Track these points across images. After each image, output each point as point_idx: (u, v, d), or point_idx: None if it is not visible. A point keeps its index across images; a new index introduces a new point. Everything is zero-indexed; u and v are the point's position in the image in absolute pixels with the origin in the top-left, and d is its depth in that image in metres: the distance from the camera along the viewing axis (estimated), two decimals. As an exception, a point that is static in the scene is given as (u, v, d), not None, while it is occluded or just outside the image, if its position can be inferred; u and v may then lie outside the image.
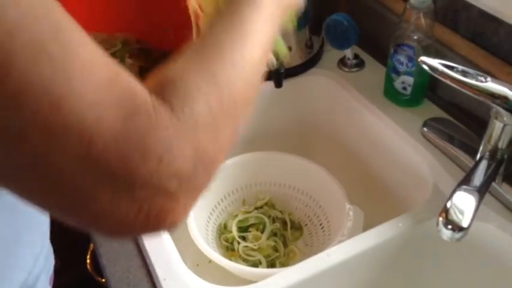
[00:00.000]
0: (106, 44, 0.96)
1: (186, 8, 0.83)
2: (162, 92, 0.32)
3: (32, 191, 0.30)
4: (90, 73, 0.29)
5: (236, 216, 0.84)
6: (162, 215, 0.31)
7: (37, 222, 0.52)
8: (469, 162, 0.69)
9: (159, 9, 0.90)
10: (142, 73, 0.89)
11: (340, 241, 0.67)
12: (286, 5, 0.47)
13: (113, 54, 0.94)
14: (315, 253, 0.73)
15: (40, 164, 0.28)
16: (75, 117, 0.27)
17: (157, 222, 0.32)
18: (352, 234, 0.69)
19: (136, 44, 0.98)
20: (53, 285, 0.58)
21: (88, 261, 0.77)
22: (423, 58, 0.60)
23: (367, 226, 0.69)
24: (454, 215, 0.51)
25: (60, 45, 0.28)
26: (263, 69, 0.42)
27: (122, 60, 0.92)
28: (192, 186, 0.32)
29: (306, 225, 0.85)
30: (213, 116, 0.34)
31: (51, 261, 0.57)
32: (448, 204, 0.53)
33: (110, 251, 0.62)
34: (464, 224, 0.51)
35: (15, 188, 0.30)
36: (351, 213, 0.73)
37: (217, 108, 0.34)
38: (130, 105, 0.29)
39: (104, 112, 0.28)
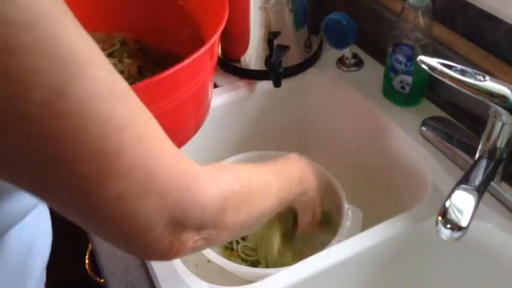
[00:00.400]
0: (104, 43, 0.96)
1: (184, 8, 0.84)
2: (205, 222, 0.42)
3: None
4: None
5: None
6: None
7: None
8: (467, 161, 0.69)
9: (158, 9, 0.90)
10: (141, 73, 0.89)
11: (339, 241, 0.67)
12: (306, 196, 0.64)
13: (111, 54, 0.94)
14: (314, 253, 0.73)
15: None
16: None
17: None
18: (351, 234, 0.68)
19: (135, 44, 0.98)
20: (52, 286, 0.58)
21: (87, 261, 0.77)
22: (422, 57, 0.60)
23: (365, 226, 0.69)
24: (453, 215, 0.51)
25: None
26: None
27: (120, 61, 0.92)
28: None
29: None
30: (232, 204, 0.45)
31: (48, 245, 0.59)
32: (447, 204, 0.53)
33: (108, 252, 0.62)
34: (463, 224, 0.51)
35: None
36: (349, 213, 0.73)
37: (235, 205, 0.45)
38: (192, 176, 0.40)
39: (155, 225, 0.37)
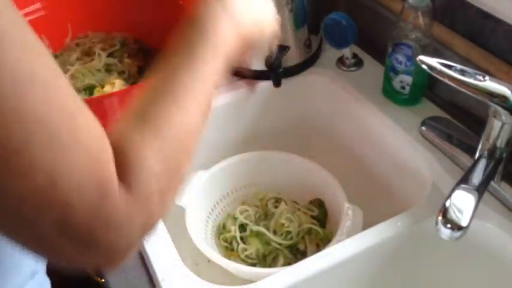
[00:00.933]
0: (105, 43, 0.96)
1: (184, 8, 0.84)
2: (123, 174, 0.36)
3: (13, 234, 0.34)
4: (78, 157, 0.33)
5: (236, 218, 0.84)
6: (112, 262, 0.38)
7: None
8: (467, 161, 0.69)
9: (158, 9, 0.90)
10: (141, 73, 0.89)
11: (339, 240, 0.67)
12: (242, 45, 0.51)
13: (112, 54, 0.94)
14: (315, 251, 0.73)
15: (25, 220, 0.32)
16: (63, 192, 0.32)
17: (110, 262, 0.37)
18: (351, 233, 0.69)
19: (135, 44, 0.98)
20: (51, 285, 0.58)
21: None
22: (421, 57, 0.60)
23: (366, 225, 0.69)
24: (453, 214, 0.51)
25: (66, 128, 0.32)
26: (203, 127, 0.46)
27: (120, 61, 0.92)
28: (136, 244, 0.38)
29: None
30: (160, 188, 0.38)
31: None
32: (447, 203, 0.53)
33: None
34: (464, 223, 0.51)
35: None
36: (350, 212, 0.73)
37: (165, 185, 0.39)
38: (106, 189, 0.34)
39: (86, 192, 0.33)
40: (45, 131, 0.30)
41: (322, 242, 0.80)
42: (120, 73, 0.87)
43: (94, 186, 0.33)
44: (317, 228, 0.80)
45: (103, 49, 0.94)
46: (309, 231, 0.80)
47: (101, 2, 0.94)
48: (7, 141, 0.29)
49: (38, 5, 0.78)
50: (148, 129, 0.39)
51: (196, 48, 0.47)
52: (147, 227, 0.38)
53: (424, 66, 0.60)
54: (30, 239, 0.34)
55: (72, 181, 0.32)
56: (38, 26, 0.83)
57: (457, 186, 0.56)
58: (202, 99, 0.45)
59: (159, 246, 0.62)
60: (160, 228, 0.64)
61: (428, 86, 0.80)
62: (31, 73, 0.30)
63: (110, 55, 0.93)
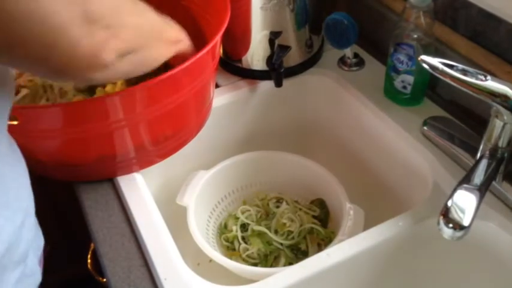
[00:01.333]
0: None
1: (188, 7, 0.84)
2: None
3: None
4: None
5: (237, 217, 0.84)
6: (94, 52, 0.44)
7: (22, 183, 0.53)
8: (469, 161, 0.69)
9: (160, 8, 0.90)
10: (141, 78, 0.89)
11: (341, 240, 0.67)
12: None
13: None
14: (316, 251, 0.73)
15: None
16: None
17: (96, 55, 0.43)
18: (352, 233, 0.69)
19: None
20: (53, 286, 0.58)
21: (89, 260, 0.77)
22: (423, 57, 0.60)
23: (367, 225, 0.69)
24: (455, 214, 0.51)
25: None
26: None
27: None
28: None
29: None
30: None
31: (40, 241, 0.58)
32: (449, 203, 0.53)
33: (111, 251, 0.62)
34: (465, 223, 0.51)
35: None
36: (351, 212, 0.73)
37: None
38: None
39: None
40: None
41: (323, 242, 0.80)
42: None
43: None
44: (318, 228, 0.80)
45: None
46: (311, 231, 0.80)
47: None
48: None
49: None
50: None
51: None
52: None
53: (425, 66, 0.60)
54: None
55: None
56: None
57: (458, 186, 0.56)
58: None
59: (161, 246, 0.62)
60: (162, 227, 0.64)
61: (429, 86, 0.80)
62: None
63: None
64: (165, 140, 0.71)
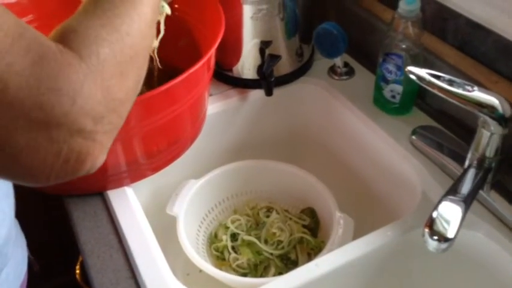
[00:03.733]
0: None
1: (182, 19, 0.84)
2: (68, 42, 0.36)
3: None
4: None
5: (227, 227, 0.84)
6: (81, 156, 0.36)
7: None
8: (457, 170, 0.69)
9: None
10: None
11: (330, 250, 0.67)
12: None
13: None
14: (306, 261, 0.73)
15: None
16: None
17: (77, 164, 0.36)
18: (342, 242, 0.69)
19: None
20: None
21: (77, 271, 0.77)
22: (410, 68, 0.61)
23: (356, 234, 0.69)
24: (440, 226, 0.51)
25: None
26: (155, 20, 0.45)
27: None
28: (105, 125, 0.37)
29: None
30: (117, 61, 0.38)
31: (22, 261, 0.58)
32: (434, 215, 0.53)
33: (98, 263, 0.62)
34: (450, 235, 0.51)
35: None
36: (341, 221, 0.73)
37: (120, 55, 0.38)
38: (38, 51, 0.33)
39: (13, 59, 0.32)
40: None
41: (313, 251, 0.80)
42: None
43: (21, 51, 0.33)
44: (308, 237, 0.80)
45: None
46: (300, 240, 0.80)
47: None
48: None
49: (31, 17, 0.78)
50: (101, 11, 0.40)
51: None
52: (111, 105, 0.37)
53: (412, 77, 0.60)
54: None
55: None
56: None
57: (444, 197, 0.56)
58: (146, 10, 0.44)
59: (149, 258, 0.62)
60: (150, 238, 0.64)
61: (418, 95, 0.80)
62: None
63: None
64: (158, 153, 0.71)
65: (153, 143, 0.69)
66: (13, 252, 0.58)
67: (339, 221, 0.73)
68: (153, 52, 0.71)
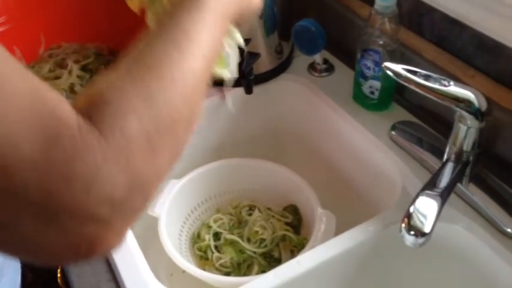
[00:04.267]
0: (78, 55, 0.95)
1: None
2: (92, 113, 0.31)
3: None
4: (8, 96, 0.27)
5: (210, 226, 0.83)
6: (94, 244, 0.30)
7: None
8: (436, 164, 0.69)
9: (132, 18, 0.90)
10: None
11: (313, 246, 0.67)
12: (234, 10, 0.45)
13: (86, 66, 0.93)
14: (289, 258, 0.73)
15: None
16: None
17: (89, 251, 0.30)
18: (324, 239, 0.69)
19: (110, 55, 0.97)
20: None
21: (59, 275, 0.76)
22: (387, 64, 0.61)
23: (338, 230, 0.70)
24: (417, 221, 0.52)
25: None
26: (207, 79, 0.40)
27: (96, 72, 0.91)
28: (126, 210, 0.31)
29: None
30: (148, 137, 0.32)
31: (17, 272, 0.57)
32: (411, 209, 0.53)
33: (78, 266, 0.61)
34: (426, 230, 0.51)
35: None
36: (323, 218, 0.73)
37: (152, 129, 0.32)
38: (53, 131, 0.28)
39: (23, 141, 0.27)
40: None
41: (296, 249, 0.80)
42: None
43: (33, 131, 0.27)
44: (291, 234, 0.80)
45: (77, 61, 0.93)
46: (283, 238, 0.80)
47: (73, 11, 0.93)
48: None
49: (3, 19, 0.77)
50: (137, 70, 0.34)
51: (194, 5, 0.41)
52: (135, 187, 0.31)
53: (389, 73, 0.61)
54: None
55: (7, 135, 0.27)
56: (8, 37, 0.82)
57: (421, 191, 0.56)
58: (207, 47, 0.39)
59: (129, 260, 0.61)
60: (130, 240, 0.64)
61: (397, 91, 0.80)
62: None
63: (83, 68, 0.92)
64: None
65: None
66: (7, 265, 0.58)
67: (321, 218, 0.73)
68: None
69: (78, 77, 0.90)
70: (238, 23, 0.50)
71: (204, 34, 0.39)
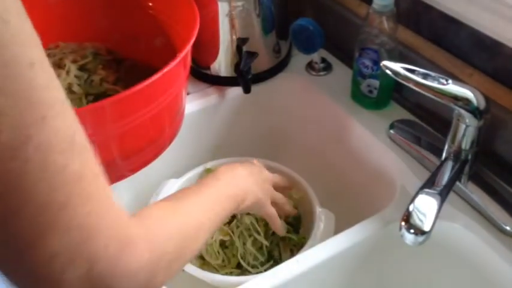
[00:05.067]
0: (76, 55, 0.94)
1: (156, 17, 0.83)
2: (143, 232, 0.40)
3: None
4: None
5: None
6: None
7: None
8: (435, 163, 0.69)
9: (129, 18, 0.89)
10: (117, 83, 0.88)
11: (312, 245, 0.67)
12: (243, 198, 0.63)
13: (84, 66, 0.92)
14: (289, 257, 0.73)
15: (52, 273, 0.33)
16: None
17: None
18: (324, 237, 0.69)
19: (108, 55, 0.97)
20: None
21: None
22: (385, 62, 0.61)
23: (337, 229, 0.70)
24: (417, 219, 0.52)
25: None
26: (201, 243, 0.52)
27: (94, 72, 0.91)
28: None
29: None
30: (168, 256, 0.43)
31: None
32: (410, 208, 0.53)
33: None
34: (426, 228, 0.51)
35: None
36: (322, 216, 0.73)
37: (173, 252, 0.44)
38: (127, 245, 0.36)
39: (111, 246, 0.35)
40: (83, 191, 0.33)
41: (295, 248, 0.80)
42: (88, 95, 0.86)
43: (117, 242, 0.35)
44: (290, 235, 0.80)
45: (74, 61, 0.92)
46: (283, 237, 0.80)
47: (70, 11, 0.93)
48: (52, 198, 0.31)
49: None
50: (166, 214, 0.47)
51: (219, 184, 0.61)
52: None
53: (388, 71, 0.61)
54: None
55: (100, 239, 0.34)
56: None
57: (420, 190, 0.57)
58: (215, 216, 0.55)
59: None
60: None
61: (395, 89, 0.81)
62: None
63: (81, 67, 0.92)
64: (135, 154, 0.70)
65: (130, 144, 0.68)
66: None
67: (320, 217, 0.73)
68: None
69: (76, 76, 0.90)
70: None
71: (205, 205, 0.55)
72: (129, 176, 0.72)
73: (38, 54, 0.30)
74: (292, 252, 0.80)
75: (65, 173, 0.31)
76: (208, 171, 0.84)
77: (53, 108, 0.31)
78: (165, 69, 0.63)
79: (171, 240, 0.44)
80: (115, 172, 0.70)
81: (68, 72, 0.90)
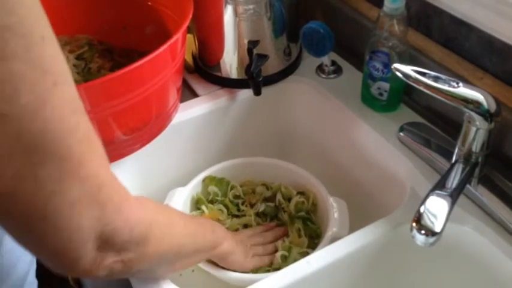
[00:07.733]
0: (71, 45, 0.95)
1: (147, 5, 0.84)
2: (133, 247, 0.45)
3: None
4: None
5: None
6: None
7: None
8: (445, 165, 0.70)
9: (118, 8, 0.90)
10: (113, 70, 0.88)
11: (332, 234, 0.70)
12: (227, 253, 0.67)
13: (81, 55, 0.93)
14: (309, 248, 0.75)
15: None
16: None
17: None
18: (341, 224, 0.71)
19: (100, 45, 0.97)
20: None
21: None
22: (396, 65, 0.61)
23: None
24: (428, 220, 0.52)
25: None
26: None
27: (91, 60, 0.91)
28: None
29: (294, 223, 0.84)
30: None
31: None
32: (421, 209, 0.54)
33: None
34: (437, 229, 0.52)
35: None
36: (334, 204, 0.74)
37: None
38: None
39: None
40: (93, 147, 0.38)
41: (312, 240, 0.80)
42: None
43: (119, 195, 0.41)
44: (309, 223, 0.80)
45: (71, 50, 0.93)
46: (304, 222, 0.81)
47: (60, 4, 0.93)
48: (70, 153, 0.36)
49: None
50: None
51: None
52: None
53: (398, 74, 0.61)
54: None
55: (109, 188, 0.40)
56: None
57: (431, 192, 0.57)
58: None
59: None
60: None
61: (405, 92, 0.81)
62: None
63: (78, 56, 0.92)
64: (114, 141, 0.71)
65: (111, 130, 0.69)
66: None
67: (332, 205, 0.74)
68: None
69: (74, 66, 0.91)
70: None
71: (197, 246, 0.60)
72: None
73: (48, 30, 0.34)
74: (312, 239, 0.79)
75: (79, 131, 0.36)
76: (209, 179, 0.84)
77: (61, 75, 0.35)
78: (148, 57, 0.64)
79: (162, 214, 0.50)
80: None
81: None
